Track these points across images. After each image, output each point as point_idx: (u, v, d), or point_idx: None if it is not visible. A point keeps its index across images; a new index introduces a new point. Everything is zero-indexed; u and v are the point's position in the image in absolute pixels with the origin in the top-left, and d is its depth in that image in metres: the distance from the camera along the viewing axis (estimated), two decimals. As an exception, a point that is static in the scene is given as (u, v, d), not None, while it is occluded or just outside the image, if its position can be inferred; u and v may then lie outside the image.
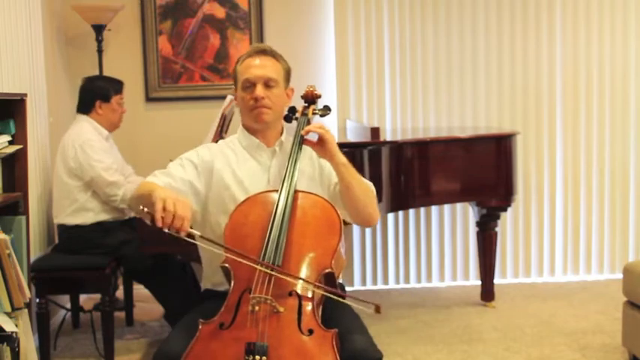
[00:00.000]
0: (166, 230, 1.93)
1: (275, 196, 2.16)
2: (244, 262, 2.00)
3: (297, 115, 2.39)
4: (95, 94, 3.77)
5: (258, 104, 2.27)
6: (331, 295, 2.02)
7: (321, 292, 2.04)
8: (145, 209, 1.95)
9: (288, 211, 2.12)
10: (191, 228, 1.97)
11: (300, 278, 2.03)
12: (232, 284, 2.06)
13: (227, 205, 2.25)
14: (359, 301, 1.98)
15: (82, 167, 3.62)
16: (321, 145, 2.21)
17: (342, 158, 2.21)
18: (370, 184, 2.33)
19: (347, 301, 2.07)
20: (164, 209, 1.91)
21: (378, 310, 1.93)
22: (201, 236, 2.00)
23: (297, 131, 2.30)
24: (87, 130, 3.71)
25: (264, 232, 2.09)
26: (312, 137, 2.23)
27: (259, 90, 2.26)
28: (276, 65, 2.31)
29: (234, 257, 2.02)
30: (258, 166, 2.33)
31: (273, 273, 1.99)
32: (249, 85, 2.28)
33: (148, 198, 1.99)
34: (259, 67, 2.28)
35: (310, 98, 2.44)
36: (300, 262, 2.08)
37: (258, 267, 2.00)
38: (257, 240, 2.09)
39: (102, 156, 3.65)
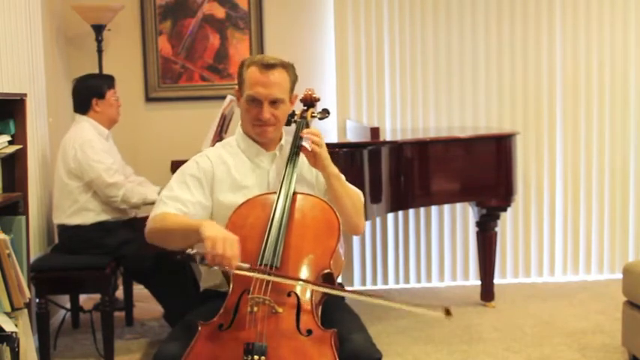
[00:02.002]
0: (216, 268, 1.99)
1: (273, 198, 2.16)
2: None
3: (296, 118, 2.39)
4: (89, 92, 3.77)
5: (263, 122, 2.25)
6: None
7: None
8: (194, 252, 1.99)
9: (286, 212, 2.12)
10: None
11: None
12: (231, 285, 2.06)
13: (227, 209, 2.24)
14: (421, 307, 1.98)
15: (81, 167, 3.62)
16: (313, 157, 2.21)
17: (333, 170, 2.22)
18: (359, 194, 2.33)
19: (410, 307, 2.01)
20: (214, 251, 1.94)
21: (449, 312, 1.90)
22: (249, 268, 1.99)
23: (295, 135, 2.29)
24: (87, 130, 3.72)
25: (263, 235, 2.09)
26: (308, 145, 2.22)
27: (266, 112, 2.23)
28: (284, 79, 2.25)
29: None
30: (257, 170, 2.33)
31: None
32: (255, 100, 2.24)
33: (194, 234, 2.01)
34: (267, 85, 2.22)
35: (309, 101, 2.44)
36: (298, 263, 2.08)
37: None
38: (256, 242, 2.09)
39: (102, 156, 3.65)
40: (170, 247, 2.20)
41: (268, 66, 2.24)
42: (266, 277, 1.99)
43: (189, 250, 1.99)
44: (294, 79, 2.31)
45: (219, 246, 1.94)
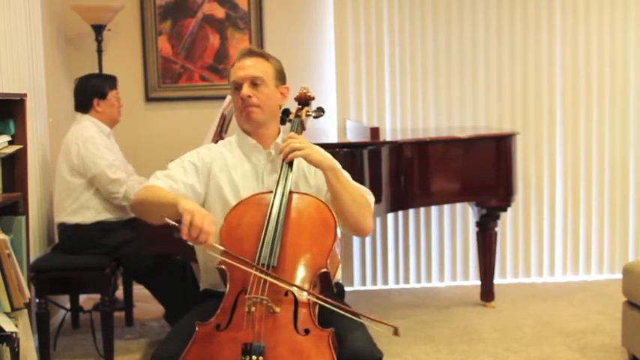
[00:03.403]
0: (190, 243, 1.97)
1: (269, 197, 2.16)
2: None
3: (291, 116, 2.40)
4: (91, 92, 3.78)
5: (246, 104, 2.28)
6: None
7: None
8: (171, 221, 1.97)
9: (282, 212, 2.12)
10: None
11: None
12: (228, 285, 2.06)
13: (222, 207, 2.25)
14: (375, 321, 1.94)
15: (84, 164, 3.63)
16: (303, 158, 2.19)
17: (328, 163, 2.17)
18: (366, 192, 2.30)
19: (363, 320, 2.00)
20: (191, 223, 1.94)
21: (396, 332, 1.90)
22: (224, 251, 2.00)
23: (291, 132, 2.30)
24: (89, 127, 3.73)
25: (259, 234, 2.09)
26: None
27: (245, 89, 2.27)
28: (264, 64, 2.31)
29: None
30: (253, 169, 2.33)
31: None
32: (237, 86, 2.30)
33: (172, 207, 2.01)
34: (245, 68, 2.29)
35: (304, 100, 2.44)
36: (295, 262, 2.08)
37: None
38: (252, 242, 2.09)
39: (105, 153, 3.66)
40: (149, 220, 2.20)
41: (247, 54, 2.33)
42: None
43: (166, 219, 1.98)
44: (278, 69, 2.35)
45: (198, 219, 1.94)
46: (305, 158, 2.17)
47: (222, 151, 2.37)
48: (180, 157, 2.36)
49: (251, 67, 2.29)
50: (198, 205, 2.07)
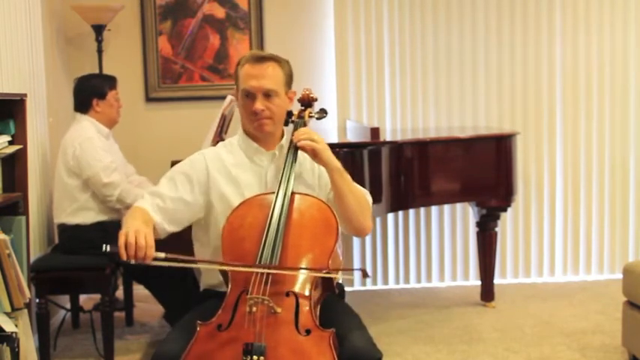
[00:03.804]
0: (133, 262, 1.97)
1: (272, 198, 2.17)
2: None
3: (294, 118, 2.40)
4: (90, 92, 3.78)
5: (259, 117, 2.26)
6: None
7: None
8: (108, 248, 1.98)
9: (284, 212, 2.12)
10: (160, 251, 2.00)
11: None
12: (230, 286, 2.07)
13: (225, 208, 2.25)
14: (347, 270, 2.01)
15: (80, 165, 3.62)
16: (313, 154, 2.21)
17: (336, 164, 2.20)
18: (366, 193, 2.32)
19: (335, 275, 2.10)
20: (126, 244, 1.95)
21: (365, 274, 2.05)
22: (166, 258, 2.00)
23: (292, 134, 2.30)
24: (87, 128, 3.72)
25: (261, 235, 2.09)
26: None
27: (259, 103, 2.24)
28: (277, 72, 2.27)
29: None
30: (256, 170, 2.33)
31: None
32: (249, 94, 2.26)
33: None
34: (259, 77, 2.24)
35: (306, 101, 2.44)
36: (296, 263, 2.08)
37: (231, 268, 2.01)
38: (254, 242, 2.09)
39: (101, 155, 3.65)
40: None
41: (260, 59, 2.27)
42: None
43: (104, 248, 1.98)
44: (288, 74, 2.31)
45: (131, 236, 1.95)
46: (319, 153, 2.18)
47: (220, 152, 2.36)
48: (172, 169, 2.35)
49: (265, 77, 2.24)
50: (138, 222, 2.06)
